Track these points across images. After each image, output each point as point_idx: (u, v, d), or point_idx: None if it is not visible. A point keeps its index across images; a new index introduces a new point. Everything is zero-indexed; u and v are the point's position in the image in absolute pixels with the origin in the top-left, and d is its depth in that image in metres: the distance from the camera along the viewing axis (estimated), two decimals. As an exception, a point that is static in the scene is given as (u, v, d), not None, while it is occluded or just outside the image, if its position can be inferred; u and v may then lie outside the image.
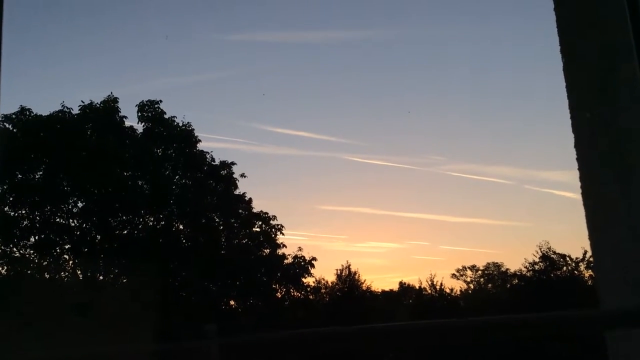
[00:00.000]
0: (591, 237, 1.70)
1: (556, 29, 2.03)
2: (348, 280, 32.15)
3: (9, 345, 15.16)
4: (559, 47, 2.04)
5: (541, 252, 29.20)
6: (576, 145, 1.85)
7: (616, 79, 1.81)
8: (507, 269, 36.89)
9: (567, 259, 28.84)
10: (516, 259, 65.50)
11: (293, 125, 48.94)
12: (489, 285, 40.44)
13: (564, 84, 2.00)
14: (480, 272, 41.07)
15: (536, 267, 29.49)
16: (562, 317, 1.45)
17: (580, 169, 1.81)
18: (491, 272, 40.50)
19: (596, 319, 1.44)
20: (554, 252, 29.08)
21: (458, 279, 40.80)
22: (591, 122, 1.76)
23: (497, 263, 39.82)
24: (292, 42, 42.05)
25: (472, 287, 40.58)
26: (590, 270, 27.71)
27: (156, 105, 22.69)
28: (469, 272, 41.03)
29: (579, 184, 1.84)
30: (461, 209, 53.43)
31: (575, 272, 28.48)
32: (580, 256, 28.18)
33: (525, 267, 29.98)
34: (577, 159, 1.87)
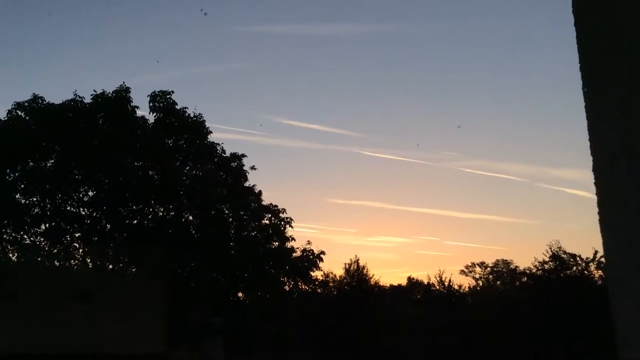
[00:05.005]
0: (602, 225, 1.63)
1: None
2: (356, 274, 32.07)
3: (18, 331, 15.28)
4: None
5: (551, 251, 28.99)
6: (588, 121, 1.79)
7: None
8: (517, 267, 36.69)
9: (578, 258, 28.62)
10: (526, 256, 65.29)
11: (305, 118, 49.00)
12: (498, 282, 40.28)
13: (579, 80, 1.93)
14: (489, 268, 40.87)
15: (546, 266, 29.29)
16: None
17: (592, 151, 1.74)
18: (500, 269, 40.32)
19: None
20: (564, 252, 28.87)
21: (467, 275, 40.61)
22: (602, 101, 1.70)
23: (506, 260, 39.62)
24: (306, 35, 42.01)
25: (480, 283, 40.42)
26: (600, 271, 27.49)
27: (168, 96, 22.67)
28: (477, 269, 40.82)
29: (591, 182, 1.76)
30: (472, 205, 53.28)
31: (585, 272, 28.28)
32: (591, 256, 27.94)
33: (535, 266, 29.81)
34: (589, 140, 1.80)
